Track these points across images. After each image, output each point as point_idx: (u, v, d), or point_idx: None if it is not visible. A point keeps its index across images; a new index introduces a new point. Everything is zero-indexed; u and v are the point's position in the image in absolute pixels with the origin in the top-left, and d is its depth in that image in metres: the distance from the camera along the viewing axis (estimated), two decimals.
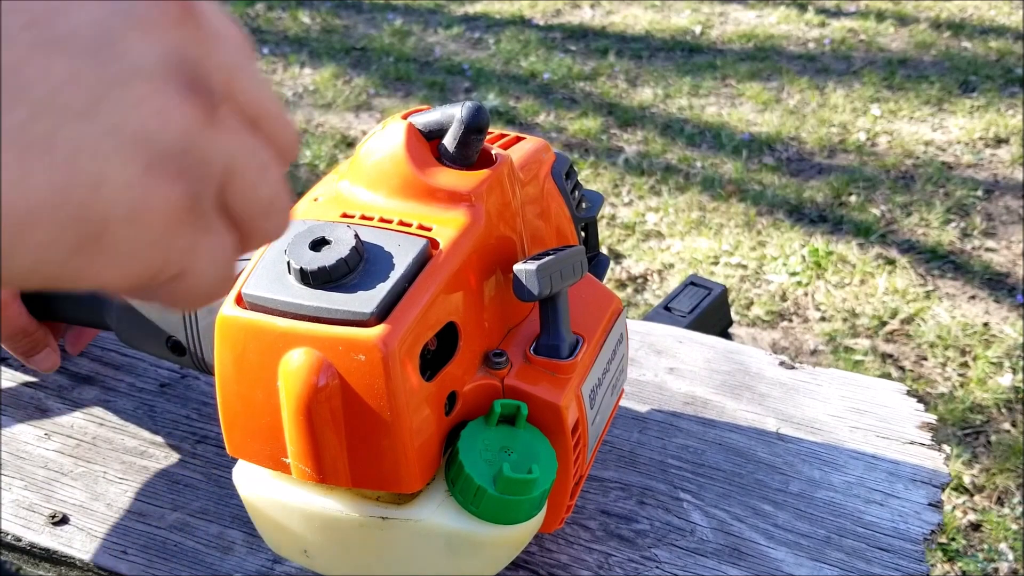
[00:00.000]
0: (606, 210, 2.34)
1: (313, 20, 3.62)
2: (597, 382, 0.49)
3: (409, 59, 3.24)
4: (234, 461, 0.59)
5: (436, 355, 0.44)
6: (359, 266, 0.42)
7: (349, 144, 2.70)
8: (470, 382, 0.45)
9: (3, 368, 0.68)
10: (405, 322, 0.41)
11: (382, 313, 0.40)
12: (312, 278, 0.41)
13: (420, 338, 0.42)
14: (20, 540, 0.56)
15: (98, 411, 0.64)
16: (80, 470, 0.60)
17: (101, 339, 0.70)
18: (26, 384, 0.66)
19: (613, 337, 0.51)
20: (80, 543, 0.55)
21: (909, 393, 0.64)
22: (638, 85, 3.02)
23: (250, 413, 0.44)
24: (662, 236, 2.25)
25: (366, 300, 0.41)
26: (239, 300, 0.43)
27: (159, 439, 0.62)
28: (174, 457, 0.60)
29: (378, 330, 0.40)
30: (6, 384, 0.67)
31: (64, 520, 0.56)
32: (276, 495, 0.46)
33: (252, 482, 0.47)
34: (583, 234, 0.56)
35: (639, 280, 2.10)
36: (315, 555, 0.48)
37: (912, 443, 0.60)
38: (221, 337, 0.43)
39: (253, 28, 3.54)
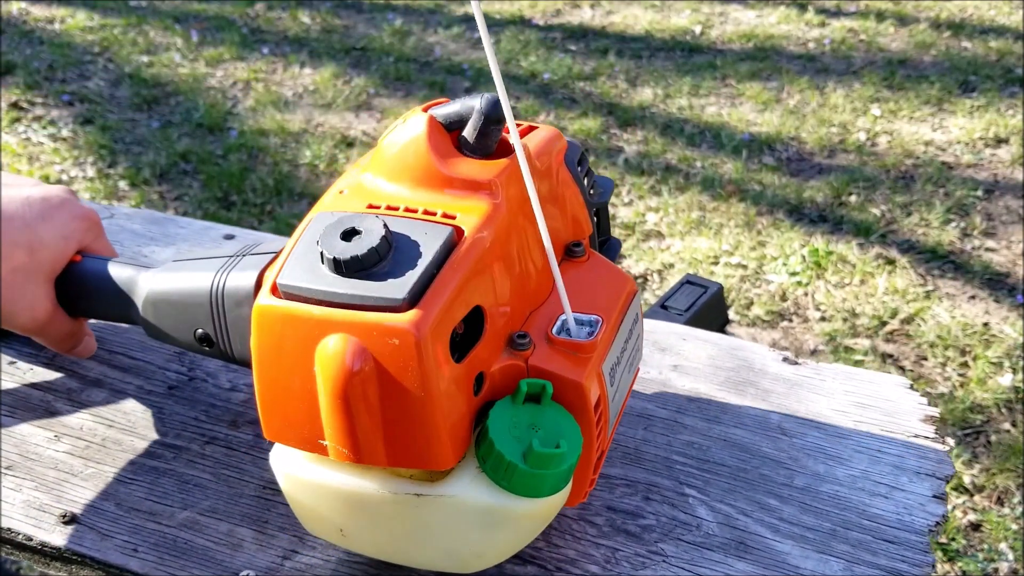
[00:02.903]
0: None
1: (313, 20, 3.63)
2: (616, 360, 0.51)
3: (409, 59, 3.25)
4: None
5: (464, 338, 0.46)
6: (389, 254, 0.43)
7: (349, 144, 2.70)
8: (496, 363, 0.47)
9: (14, 370, 0.68)
10: (436, 307, 0.42)
11: (413, 299, 0.42)
12: (345, 267, 0.43)
13: (450, 322, 0.43)
14: (31, 540, 0.56)
15: (107, 413, 0.65)
16: (90, 471, 0.60)
17: (109, 343, 0.71)
18: (35, 387, 0.67)
19: (629, 317, 0.53)
20: (91, 542, 0.55)
21: (912, 387, 0.65)
22: (638, 85, 3.03)
23: (288, 398, 0.45)
24: (662, 236, 2.25)
25: (398, 287, 0.42)
26: (274, 290, 0.44)
27: (168, 440, 0.62)
28: (183, 458, 0.61)
29: (411, 315, 0.42)
30: (18, 387, 0.67)
31: (74, 520, 0.57)
32: (313, 477, 0.48)
33: (289, 465, 0.49)
34: (595, 219, 0.57)
35: (639, 280, 2.11)
36: (351, 534, 0.49)
37: (916, 436, 0.61)
38: (259, 326, 0.45)
39: (253, 28, 3.55)
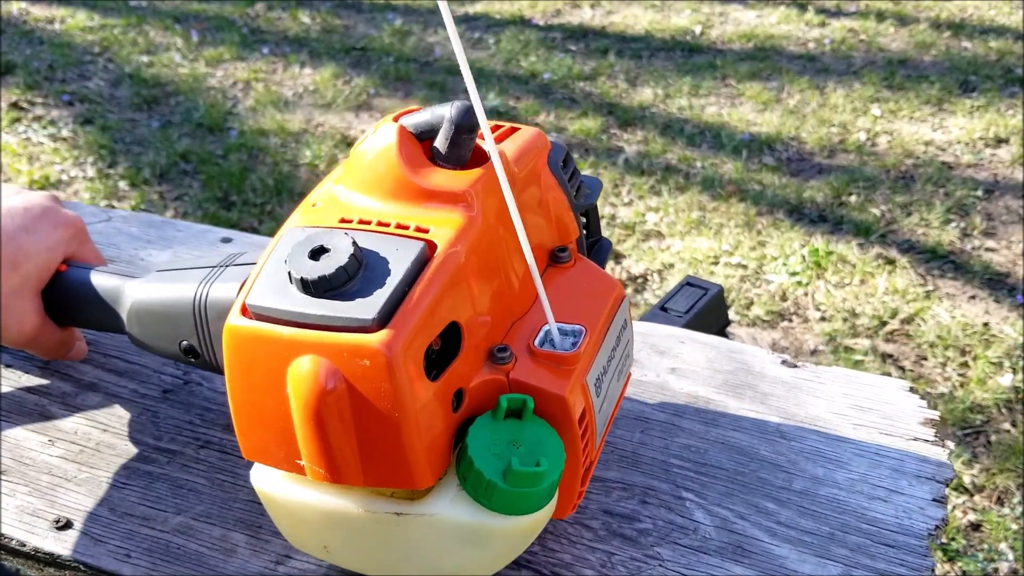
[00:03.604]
0: (606, 210, 2.34)
1: (313, 20, 3.62)
2: (603, 370, 0.50)
3: (409, 59, 3.24)
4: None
5: (440, 354, 0.45)
6: (359, 272, 0.42)
7: (349, 144, 2.69)
8: (476, 378, 0.45)
9: (8, 374, 0.68)
10: (407, 326, 0.41)
11: (384, 318, 0.41)
12: (313, 287, 0.42)
13: (423, 340, 0.42)
14: (24, 545, 0.56)
15: (102, 417, 0.64)
16: (84, 475, 0.60)
17: (104, 346, 0.70)
18: (30, 391, 0.67)
19: (616, 324, 0.52)
20: (84, 547, 0.55)
21: (912, 390, 0.65)
22: (638, 85, 3.02)
23: (262, 418, 0.44)
24: (662, 236, 2.25)
25: (367, 306, 0.41)
26: (244, 310, 0.43)
27: (162, 444, 0.62)
28: (177, 462, 0.60)
29: (381, 335, 0.41)
30: (12, 391, 0.67)
31: (68, 525, 0.56)
32: (293, 495, 0.47)
33: (269, 484, 0.48)
34: (584, 220, 0.56)
35: (639, 280, 2.10)
36: (335, 551, 0.49)
37: (916, 439, 0.60)
38: (229, 346, 0.44)
39: (253, 28, 3.54)
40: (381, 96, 3.00)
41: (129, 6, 3.77)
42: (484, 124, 0.44)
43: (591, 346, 0.48)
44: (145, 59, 3.29)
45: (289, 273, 0.43)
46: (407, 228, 0.45)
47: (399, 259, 0.43)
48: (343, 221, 0.46)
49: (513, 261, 0.48)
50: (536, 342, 0.47)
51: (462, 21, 3.56)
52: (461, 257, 0.44)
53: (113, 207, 2.41)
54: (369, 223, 0.45)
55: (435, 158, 0.48)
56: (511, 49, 3.28)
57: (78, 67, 3.23)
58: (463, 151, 0.47)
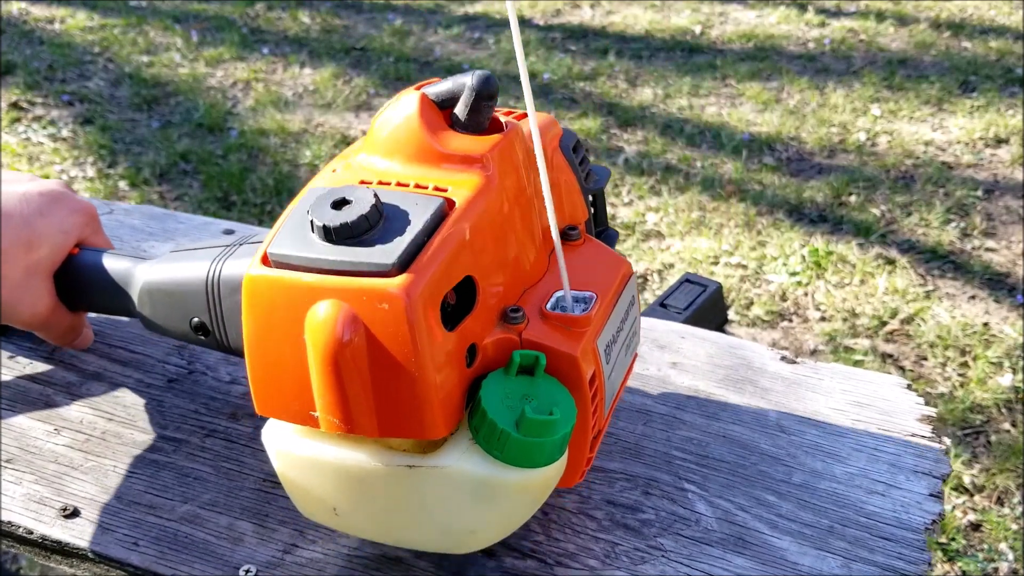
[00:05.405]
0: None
1: (313, 20, 3.63)
2: (612, 338, 0.51)
3: (409, 59, 3.25)
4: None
5: (456, 309, 0.46)
6: (379, 223, 0.44)
7: (349, 144, 2.70)
8: (489, 336, 0.46)
9: (13, 364, 0.69)
10: (426, 272, 0.42)
11: (403, 264, 0.42)
12: (335, 234, 0.43)
13: (440, 288, 0.43)
14: (32, 533, 0.56)
15: (107, 406, 0.65)
16: (90, 464, 0.60)
17: (109, 336, 0.71)
18: (35, 380, 0.67)
19: (625, 297, 0.53)
20: (91, 535, 0.55)
21: (909, 387, 0.65)
22: (638, 85, 3.03)
23: (279, 369, 0.45)
24: (662, 236, 2.26)
25: (387, 252, 0.42)
26: (265, 259, 0.44)
27: (168, 433, 0.62)
28: (183, 451, 0.61)
29: (400, 279, 0.42)
30: (17, 381, 0.67)
31: (75, 513, 0.57)
32: (305, 452, 0.48)
33: (281, 441, 0.49)
34: (592, 208, 0.57)
35: (639, 280, 2.11)
36: (344, 513, 0.49)
37: (913, 435, 0.61)
38: (249, 296, 0.45)
39: (253, 28, 3.55)
40: (381, 96, 3.00)
41: (129, 6, 3.77)
42: (531, 111, 0.46)
43: (602, 312, 0.49)
44: (145, 59, 3.29)
45: (311, 222, 0.44)
46: (426, 188, 0.46)
47: (418, 212, 0.44)
48: (363, 182, 0.47)
49: (525, 227, 0.50)
50: (548, 306, 0.48)
51: (462, 21, 3.57)
52: (478, 213, 0.45)
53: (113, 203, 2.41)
54: (388, 184, 0.47)
55: (455, 125, 0.49)
56: (511, 49, 3.29)
57: (78, 67, 3.23)
58: (482, 118, 0.48)
